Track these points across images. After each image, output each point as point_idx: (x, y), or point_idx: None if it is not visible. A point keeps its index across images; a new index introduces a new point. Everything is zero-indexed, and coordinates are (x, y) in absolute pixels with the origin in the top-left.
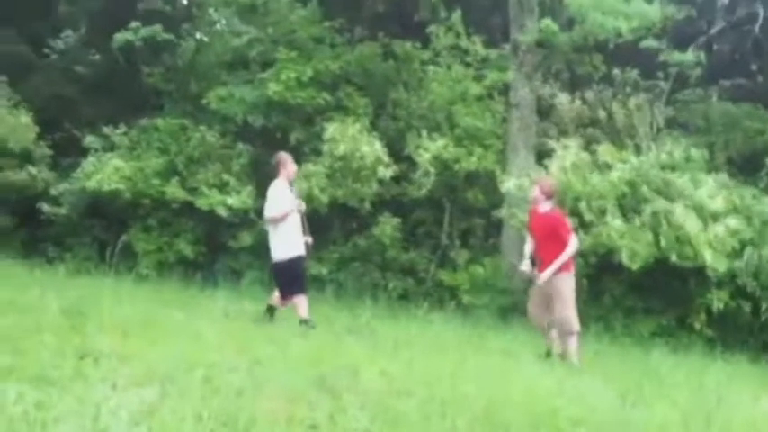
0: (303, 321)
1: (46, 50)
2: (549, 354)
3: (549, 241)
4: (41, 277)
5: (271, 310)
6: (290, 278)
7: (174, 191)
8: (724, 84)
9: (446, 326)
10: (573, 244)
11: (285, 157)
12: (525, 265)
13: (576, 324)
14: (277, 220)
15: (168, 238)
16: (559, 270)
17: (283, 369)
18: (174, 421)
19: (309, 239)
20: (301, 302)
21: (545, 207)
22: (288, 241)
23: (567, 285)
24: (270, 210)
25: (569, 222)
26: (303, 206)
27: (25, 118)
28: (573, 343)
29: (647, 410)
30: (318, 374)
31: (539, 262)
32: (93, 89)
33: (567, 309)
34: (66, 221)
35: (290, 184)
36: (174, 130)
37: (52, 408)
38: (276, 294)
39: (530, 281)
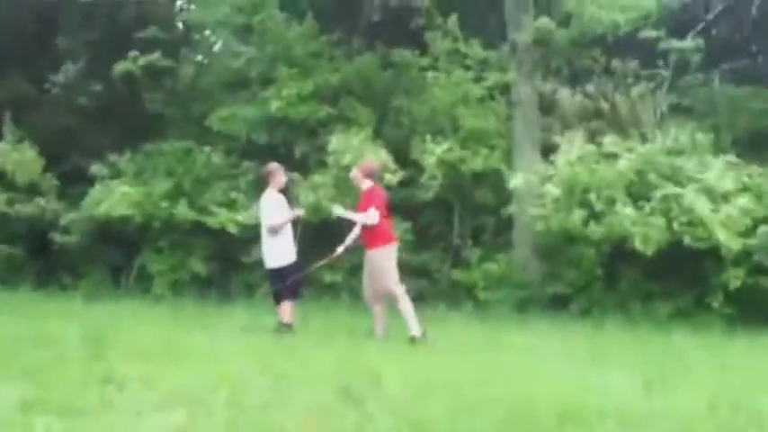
0: (284, 325)
1: (47, 85)
2: (370, 333)
3: None
4: (58, 306)
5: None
6: (283, 283)
7: (183, 212)
8: (725, 67)
9: (464, 324)
10: (366, 216)
11: (275, 167)
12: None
13: (396, 290)
14: (277, 228)
15: (180, 257)
16: (376, 245)
17: (307, 381)
18: None
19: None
20: (287, 307)
21: (365, 185)
22: (284, 248)
23: (382, 258)
24: (270, 218)
25: (379, 199)
26: (302, 211)
27: (30, 152)
28: (402, 305)
29: (673, 398)
30: (342, 384)
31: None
32: (96, 119)
33: (387, 280)
34: (77, 249)
35: (282, 192)
36: (180, 153)
37: None
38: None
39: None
